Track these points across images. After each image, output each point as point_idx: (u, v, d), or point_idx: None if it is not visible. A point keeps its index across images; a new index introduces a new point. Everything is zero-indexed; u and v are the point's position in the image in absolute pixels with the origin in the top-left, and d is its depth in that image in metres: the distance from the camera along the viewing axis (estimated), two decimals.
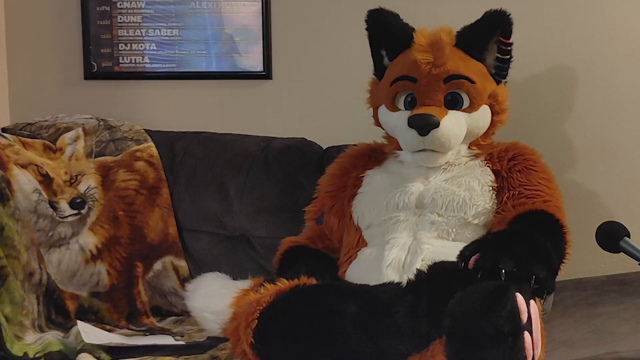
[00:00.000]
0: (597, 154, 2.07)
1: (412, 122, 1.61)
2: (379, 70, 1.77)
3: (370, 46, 1.77)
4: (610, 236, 1.44)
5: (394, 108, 1.71)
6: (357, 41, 2.16)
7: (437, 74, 1.63)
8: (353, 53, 2.18)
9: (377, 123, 1.78)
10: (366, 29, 1.75)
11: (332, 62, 2.20)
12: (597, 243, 1.48)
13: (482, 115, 1.69)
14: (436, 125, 1.60)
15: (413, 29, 1.72)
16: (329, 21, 2.19)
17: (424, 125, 1.60)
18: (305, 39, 2.21)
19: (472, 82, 1.65)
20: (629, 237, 1.42)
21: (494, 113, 1.71)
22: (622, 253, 1.43)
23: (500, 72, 1.71)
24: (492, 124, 1.72)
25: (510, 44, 1.69)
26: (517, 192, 1.62)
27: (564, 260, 1.55)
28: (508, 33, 1.68)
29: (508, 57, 1.70)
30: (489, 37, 1.68)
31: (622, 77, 2.05)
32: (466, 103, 1.66)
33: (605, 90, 2.06)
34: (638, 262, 1.40)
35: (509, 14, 1.66)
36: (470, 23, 1.69)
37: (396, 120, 1.68)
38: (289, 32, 2.21)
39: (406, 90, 1.68)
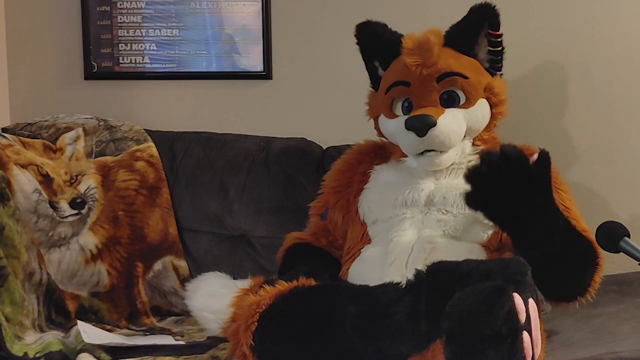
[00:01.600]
0: (597, 154, 2.07)
1: (410, 124, 1.60)
2: (375, 81, 1.79)
3: (364, 59, 1.79)
4: (610, 236, 1.44)
5: (392, 115, 1.70)
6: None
7: (428, 74, 1.63)
8: (353, 53, 2.17)
9: (380, 134, 1.79)
10: (357, 43, 1.76)
11: (332, 62, 2.20)
12: (597, 243, 1.48)
13: (481, 109, 1.68)
14: (433, 124, 1.59)
15: (402, 35, 1.71)
16: (329, 21, 2.19)
17: (421, 126, 1.59)
18: (305, 39, 2.21)
19: (465, 77, 1.65)
20: (629, 237, 1.43)
21: (492, 105, 1.70)
22: (622, 253, 1.43)
23: (494, 65, 1.70)
24: (493, 116, 1.71)
25: (500, 35, 1.68)
26: None
27: (588, 290, 1.55)
28: (496, 25, 1.67)
29: (500, 48, 1.69)
30: (477, 31, 1.68)
31: (622, 77, 2.05)
32: (462, 99, 1.66)
33: (605, 90, 2.06)
34: (638, 262, 1.40)
35: (495, 6, 1.65)
36: (457, 21, 1.69)
37: (395, 126, 1.68)
38: (289, 32, 2.21)
39: (402, 96, 1.68)
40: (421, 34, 1.69)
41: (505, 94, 1.72)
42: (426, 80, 1.63)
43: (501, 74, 1.73)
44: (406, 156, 1.71)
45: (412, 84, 1.65)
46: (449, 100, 1.65)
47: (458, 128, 1.64)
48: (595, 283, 1.55)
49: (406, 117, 1.64)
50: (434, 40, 1.65)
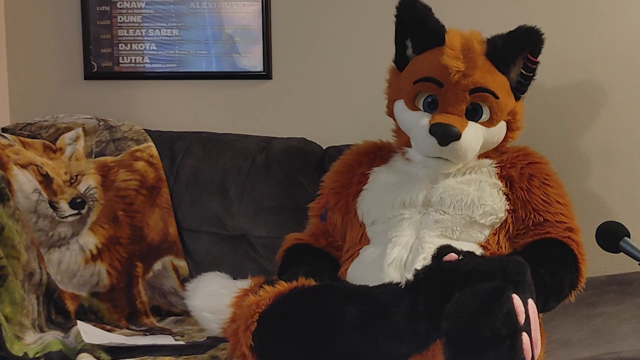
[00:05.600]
0: (597, 154, 2.07)
1: (434, 131, 1.59)
2: (400, 59, 1.73)
3: (396, 34, 1.71)
4: (610, 236, 1.45)
5: (413, 107, 1.68)
6: (357, 41, 2.18)
7: (465, 84, 1.61)
8: (353, 53, 2.18)
9: (390, 114, 1.76)
10: (395, 16, 1.69)
11: (332, 62, 2.20)
12: (597, 243, 1.49)
13: (499, 131, 1.69)
14: (458, 137, 1.58)
15: (444, 27, 1.67)
16: (329, 21, 2.19)
17: (446, 137, 1.58)
18: (305, 39, 2.20)
19: (497, 97, 1.63)
20: (629, 237, 1.43)
21: (509, 129, 1.71)
22: (622, 253, 1.43)
23: (520, 88, 1.69)
24: (505, 138, 1.71)
25: (537, 63, 1.66)
26: (540, 217, 1.63)
27: (574, 289, 1.59)
28: (538, 52, 1.66)
29: (532, 75, 1.68)
30: (518, 52, 1.66)
31: (622, 77, 2.05)
32: (486, 116, 1.65)
33: (605, 90, 2.06)
34: (638, 262, 1.40)
35: (542, 33, 1.64)
36: (501, 34, 1.66)
37: (415, 121, 1.66)
38: (289, 32, 2.21)
39: (429, 92, 1.65)
40: (466, 36, 1.65)
41: (522, 120, 1.73)
42: (460, 89, 1.61)
43: (522, 98, 1.73)
44: (409, 146, 1.70)
45: (445, 87, 1.62)
46: (473, 112, 1.64)
47: (477, 145, 1.64)
48: (581, 282, 1.59)
49: (429, 117, 1.62)
50: (478, 49, 1.63)
